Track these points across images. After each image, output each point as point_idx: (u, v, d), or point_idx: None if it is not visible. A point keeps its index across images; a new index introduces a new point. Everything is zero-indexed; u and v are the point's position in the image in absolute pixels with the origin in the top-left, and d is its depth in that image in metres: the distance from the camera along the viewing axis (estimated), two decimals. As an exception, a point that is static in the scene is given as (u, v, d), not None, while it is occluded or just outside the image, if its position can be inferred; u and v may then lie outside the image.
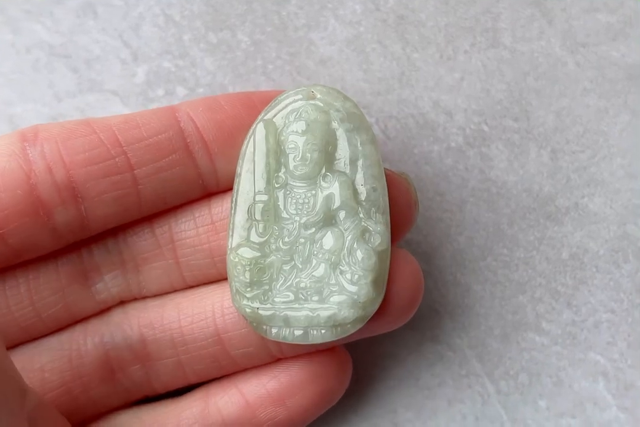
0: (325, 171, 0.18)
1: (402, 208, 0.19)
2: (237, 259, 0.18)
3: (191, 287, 0.20)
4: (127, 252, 0.19)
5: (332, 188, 0.18)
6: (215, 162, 0.19)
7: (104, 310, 0.20)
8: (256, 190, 0.18)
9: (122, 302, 0.20)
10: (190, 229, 0.19)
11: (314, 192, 0.18)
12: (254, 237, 0.18)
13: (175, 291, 0.20)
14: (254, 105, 0.19)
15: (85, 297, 0.19)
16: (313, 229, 0.18)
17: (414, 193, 0.20)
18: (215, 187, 0.19)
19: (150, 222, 0.19)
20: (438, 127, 0.23)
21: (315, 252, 0.18)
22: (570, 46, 0.24)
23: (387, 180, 0.19)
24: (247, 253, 0.18)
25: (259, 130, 0.18)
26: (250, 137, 0.18)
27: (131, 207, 0.18)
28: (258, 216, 0.18)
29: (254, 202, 0.18)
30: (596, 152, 0.23)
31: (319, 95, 0.18)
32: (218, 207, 0.19)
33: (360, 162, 0.18)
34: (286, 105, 0.18)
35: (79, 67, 0.23)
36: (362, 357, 0.22)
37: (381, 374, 0.23)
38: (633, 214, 0.23)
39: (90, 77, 0.23)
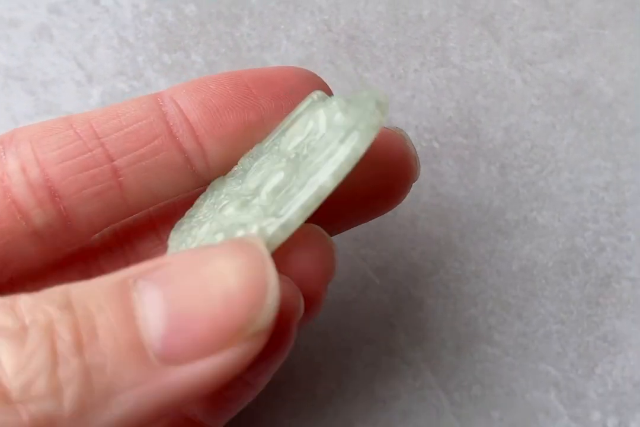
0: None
1: (402, 163, 0.17)
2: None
3: None
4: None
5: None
6: (203, 144, 0.17)
7: None
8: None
9: None
10: None
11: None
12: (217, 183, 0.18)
13: None
14: (243, 83, 0.17)
15: None
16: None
17: (412, 147, 0.18)
18: (206, 171, 0.18)
19: (156, 231, 0.19)
20: (390, 144, 0.24)
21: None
22: (517, 64, 0.24)
23: (380, 137, 0.17)
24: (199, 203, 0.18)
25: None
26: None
27: (115, 201, 0.17)
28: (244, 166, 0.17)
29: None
30: (544, 167, 0.24)
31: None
32: None
33: None
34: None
35: (36, 89, 0.23)
36: (319, 371, 0.23)
37: (337, 388, 0.23)
38: (581, 227, 0.24)
39: (46, 100, 0.23)
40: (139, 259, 0.18)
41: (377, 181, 0.17)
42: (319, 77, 0.18)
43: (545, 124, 0.24)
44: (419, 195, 0.23)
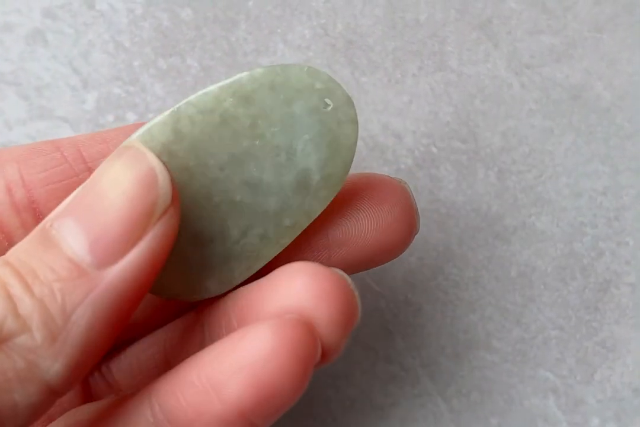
0: None
1: (405, 217, 0.18)
2: None
3: None
4: None
5: None
6: None
7: None
8: None
9: None
10: None
11: None
12: None
13: None
14: None
15: None
16: None
17: (414, 200, 0.19)
18: None
19: None
20: (387, 150, 0.23)
21: None
22: (515, 68, 0.24)
23: (384, 186, 0.18)
24: None
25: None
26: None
27: None
28: None
29: None
30: (542, 172, 0.24)
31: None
32: None
33: None
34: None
35: (30, 94, 0.23)
36: (315, 378, 0.23)
37: (335, 395, 0.23)
38: (579, 232, 0.24)
39: (40, 104, 0.23)
40: None
41: (379, 235, 0.18)
42: None
43: (543, 128, 0.24)
44: (417, 200, 0.23)
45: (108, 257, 0.13)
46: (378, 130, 0.23)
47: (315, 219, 0.17)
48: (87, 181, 0.14)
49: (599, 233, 0.24)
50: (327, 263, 0.17)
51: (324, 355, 0.15)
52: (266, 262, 0.16)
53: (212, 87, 0.15)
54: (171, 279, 0.16)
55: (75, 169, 0.17)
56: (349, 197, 0.18)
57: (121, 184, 0.14)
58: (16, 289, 0.13)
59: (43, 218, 0.16)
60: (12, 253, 0.14)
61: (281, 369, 0.13)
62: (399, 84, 0.24)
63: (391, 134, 0.23)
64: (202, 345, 0.17)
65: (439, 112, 0.24)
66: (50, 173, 0.17)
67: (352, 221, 0.17)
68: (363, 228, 0.17)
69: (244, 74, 0.15)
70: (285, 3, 0.24)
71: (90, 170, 0.17)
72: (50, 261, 0.13)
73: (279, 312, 0.15)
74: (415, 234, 0.18)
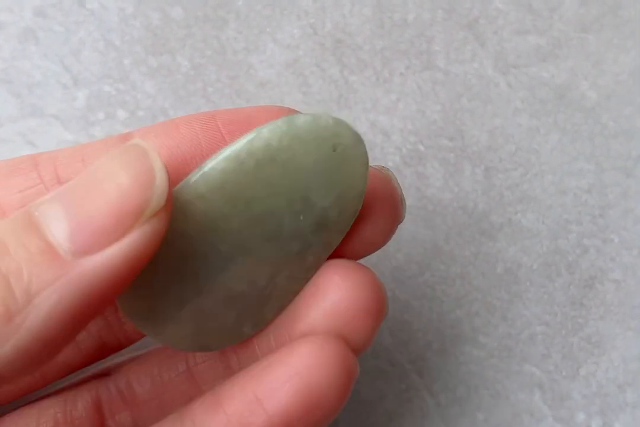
0: None
1: (389, 205, 0.17)
2: None
3: None
4: None
5: None
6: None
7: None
8: None
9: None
10: None
11: None
12: None
13: None
14: (215, 127, 0.17)
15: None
16: None
17: (399, 187, 0.18)
18: None
19: None
20: (375, 147, 0.24)
21: None
22: (502, 68, 0.24)
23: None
24: None
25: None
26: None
27: None
28: None
29: None
30: (528, 170, 0.24)
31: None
32: None
33: None
34: None
35: (21, 92, 0.23)
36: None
37: (323, 390, 0.23)
38: (564, 229, 0.24)
39: (31, 102, 0.23)
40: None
41: (363, 225, 0.17)
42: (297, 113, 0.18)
43: (529, 127, 0.24)
44: (404, 197, 0.24)
45: (87, 246, 0.13)
46: (366, 128, 0.24)
47: None
48: (83, 171, 0.14)
49: (584, 230, 0.24)
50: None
51: None
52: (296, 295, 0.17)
53: (228, 152, 0.15)
54: (210, 337, 0.16)
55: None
56: None
57: (117, 177, 0.13)
58: None
59: None
60: None
61: (329, 378, 0.14)
62: (387, 83, 0.24)
63: (379, 132, 0.24)
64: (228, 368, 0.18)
65: (426, 111, 0.24)
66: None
67: None
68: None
69: (252, 137, 0.15)
70: (274, 2, 0.24)
71: None
72: (26, 239, 0.13)
73: (322, 324, 0.15)
74: (400, 222, 0.18)
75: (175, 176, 0.16)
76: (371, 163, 0.24)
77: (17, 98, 0.23)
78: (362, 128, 0.24)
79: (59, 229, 0.13)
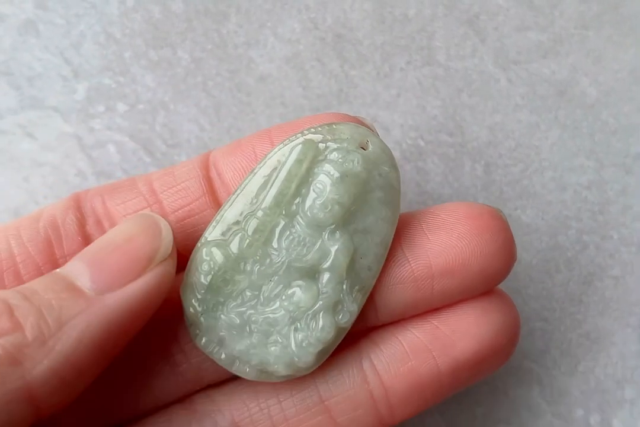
0: (336, 228, 0.17)
1: (506, 248, 0.18)
2: (208, 258, 0.17)
3: None
4: None
5: (332, 247, 0.17)
6: None
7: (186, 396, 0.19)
8: (263, 206, 0.17)
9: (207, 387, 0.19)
10: None
11: (314, 240, 0.17)
12: (235, 247, 0.17)
13: None
14: (269, 140, 0.18)
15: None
16: (294, 274, 0.17)
17: (513, 242, 0.18)
18: None
19: None
20: (375, 142, 0.24)
21: (283, 297, 0.17)
22: (502, 64, 0.24)
23: (484, 215, 0.18)
24: (219, 258, 0.17)
25: (296, 151, 0.17)
26: (285, 147, 0.17)
27: None
28: (250, 231, 0.17)
29: (254, 214, 0.17)
30: (528, 166, 0.24)
31: (370, 148, 0.17)
32: None
33: (371, 236, 0.17)
34: (336, 137, 0.17)
35: (21, 84, 0.23)
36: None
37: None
38: (564, 226, 0.24)
39: (31, 94, 0.23)
40: None
41: (483, 264, 0.18)
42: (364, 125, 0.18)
43: (529, 123, 0.24)
44: (404, 193, 0.23)
45: (107, 285, 0.15)
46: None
47: (415, 248, 0.18)
48: (98, 238, 0.17)
49: (583, 227, 0.24)
50: (430, 294, 0.18)
51: None
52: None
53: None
54: None
55: (148, 200, 0.18)
56: (449, 226, 0.18)
57: (128, 233, 0.16)
58: (15, 300, 0.15)
59: None
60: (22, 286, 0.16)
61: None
62: (388, 78, 0.24)
63: (379, 127, 0.24)
64: None
65: (426, 106, 0.24)
66: (127, 205, 0.18)
67: (455, 250, 0.18)
68: (467, 256, 0.17)
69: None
70: (275, -3, 0.24)
71: (159, 202, 0.18)
72: (54, 285, 0.15)
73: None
74: (514, 262, 0.18)
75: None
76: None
77: (17, 90, 0.23)
78: (362, 123, 0.24)
79: (80, 273, 0.16)
